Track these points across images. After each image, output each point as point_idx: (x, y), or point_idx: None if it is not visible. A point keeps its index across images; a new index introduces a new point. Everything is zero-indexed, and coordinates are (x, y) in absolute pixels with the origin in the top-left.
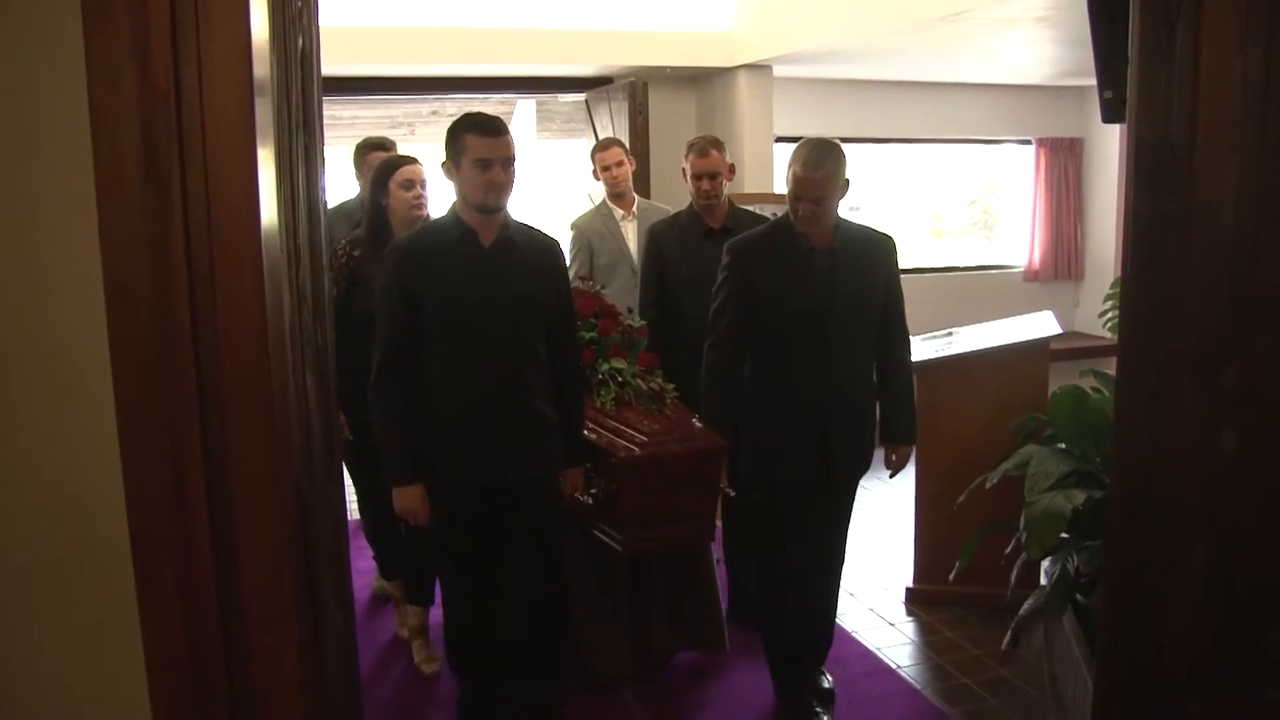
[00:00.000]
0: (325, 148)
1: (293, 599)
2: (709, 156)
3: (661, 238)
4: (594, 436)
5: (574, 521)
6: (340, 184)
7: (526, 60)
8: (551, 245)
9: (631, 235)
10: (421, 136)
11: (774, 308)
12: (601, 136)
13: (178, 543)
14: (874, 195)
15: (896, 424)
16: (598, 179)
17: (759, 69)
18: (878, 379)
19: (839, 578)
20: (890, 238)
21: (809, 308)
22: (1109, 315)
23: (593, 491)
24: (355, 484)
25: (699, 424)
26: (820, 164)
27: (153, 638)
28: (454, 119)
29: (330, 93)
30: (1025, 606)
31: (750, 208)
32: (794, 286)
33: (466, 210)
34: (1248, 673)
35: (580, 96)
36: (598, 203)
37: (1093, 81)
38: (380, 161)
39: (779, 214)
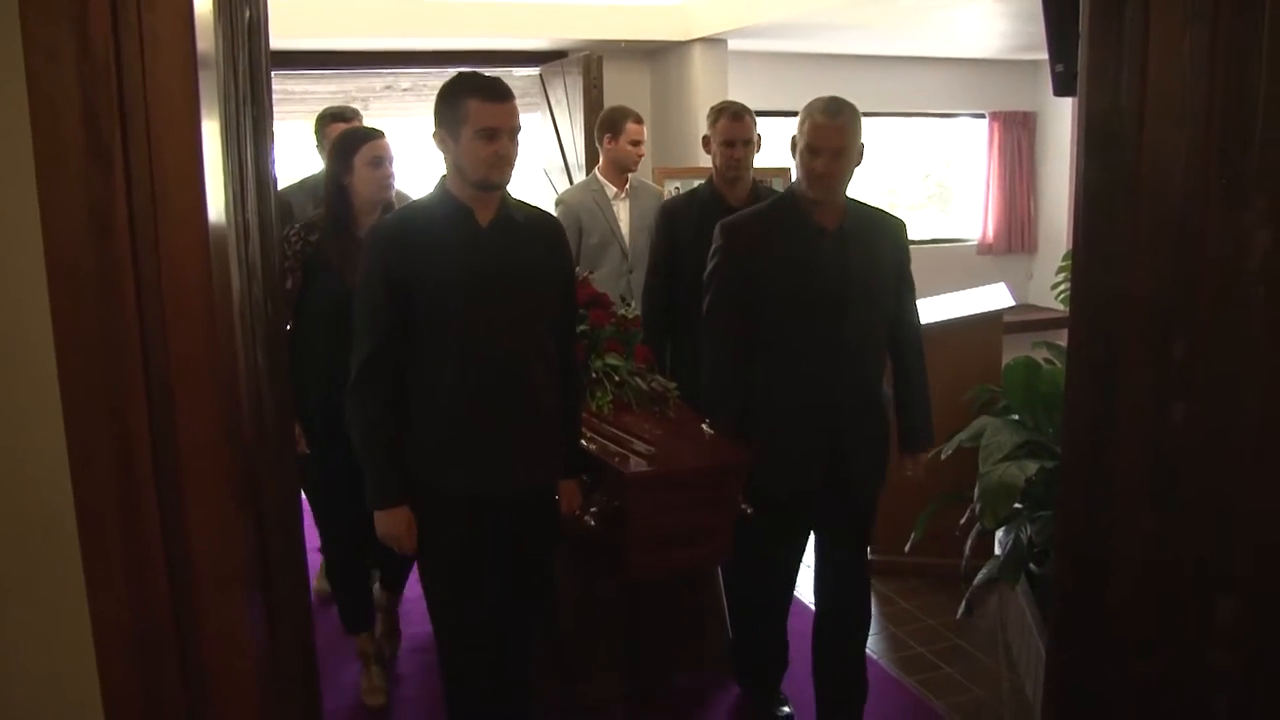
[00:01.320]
0: (276, 122)
1: (244, 574)
2: (743, 121)
3: (677, 218)
4: (593, 446)
5: (564, 536)
6: (302, 158)
7: (481, 34)
8: (555, 224)
9: (624, 215)
10: (375, 111)
11: (780, 298)
12: (555, 108)
13: (125, 519)
14: None
15: (916, 428)
16: (604, 145)
17: (714, 42)
18: (893, 378)
19: (869, 615)
20: (901, 221)
21: (820, 299)
22: (1061, 288)
23: (593, 510)
24: (314, 511)
25: (710, 431)
26: (840, 111)
27: (101, 615)
28: (410, 92)
29: (281, 66)
30: (979, 576)
31: (702, 181)
32: (803, 274)
33: (461, 186)
34: (1193, 638)
35: (534, 70)
36: (586, 177)
37: (1045, 55)
38: (341, 134)
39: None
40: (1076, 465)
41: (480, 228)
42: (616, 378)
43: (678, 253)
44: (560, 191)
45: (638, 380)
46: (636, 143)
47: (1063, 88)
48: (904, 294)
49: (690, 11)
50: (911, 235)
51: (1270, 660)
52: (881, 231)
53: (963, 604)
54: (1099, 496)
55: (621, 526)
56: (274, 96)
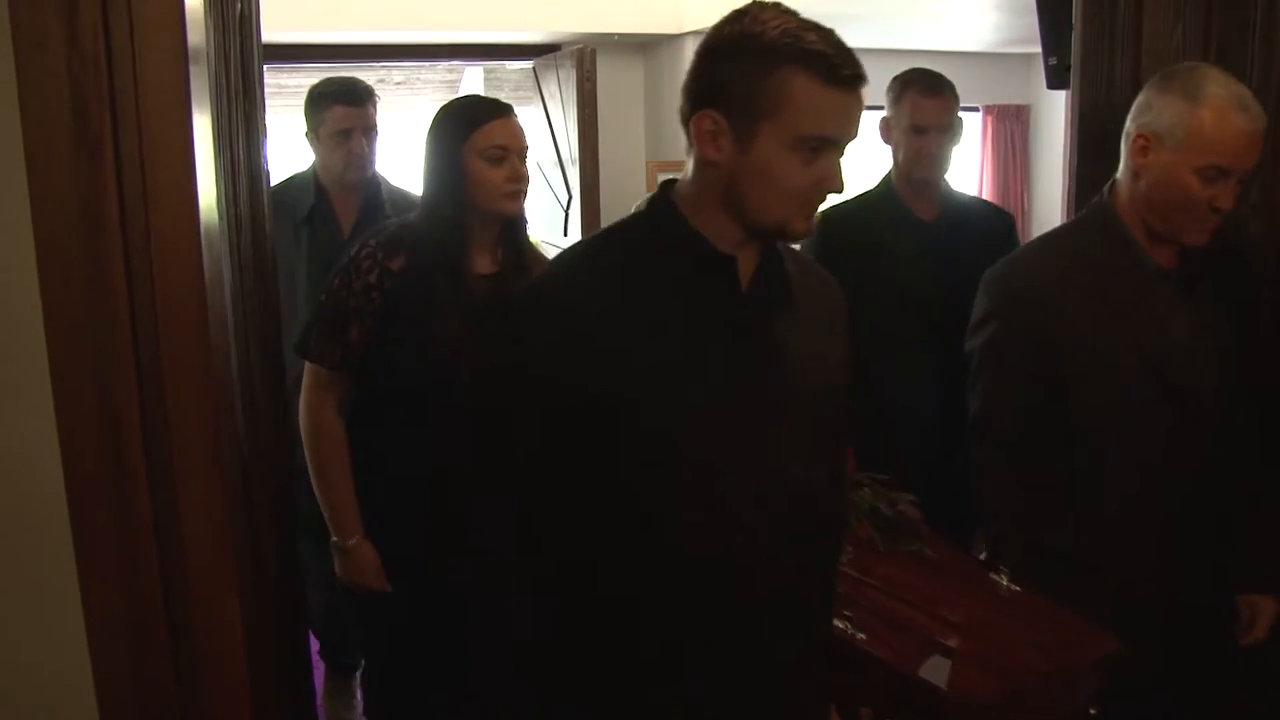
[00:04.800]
0: (268, 115)
1: (236, 566)
2: (942, 96)
3: (838, 234)
4: (859, 633)
5: None
6: (294, 153)
7: (474, 26)
8: (832, 283)
9: None
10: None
11: (1119, 380)
12: (548, 102)
13: (116, 510)
14: None
15: (1263, 559)
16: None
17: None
18: (1245, 484)
19: None
20: None
21: (1176, 370)
22: None
23: None
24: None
25: (1009, 584)
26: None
27: (93, 606)
28: (402, 85)
29: (274, 60)
30: None
31: None
32: (1154, 339)
33: (724, 215)
34: None
35: (528, 64)
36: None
37: (1039, 49)
38: (445, 109)
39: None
40: None
41: (739, 291)
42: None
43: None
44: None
45: (876, 501)
46: None
47: (1057, 81)
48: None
49: (684, 4)
50: None
51: None
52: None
53: None
54: None
55: None
56: (266, 90)
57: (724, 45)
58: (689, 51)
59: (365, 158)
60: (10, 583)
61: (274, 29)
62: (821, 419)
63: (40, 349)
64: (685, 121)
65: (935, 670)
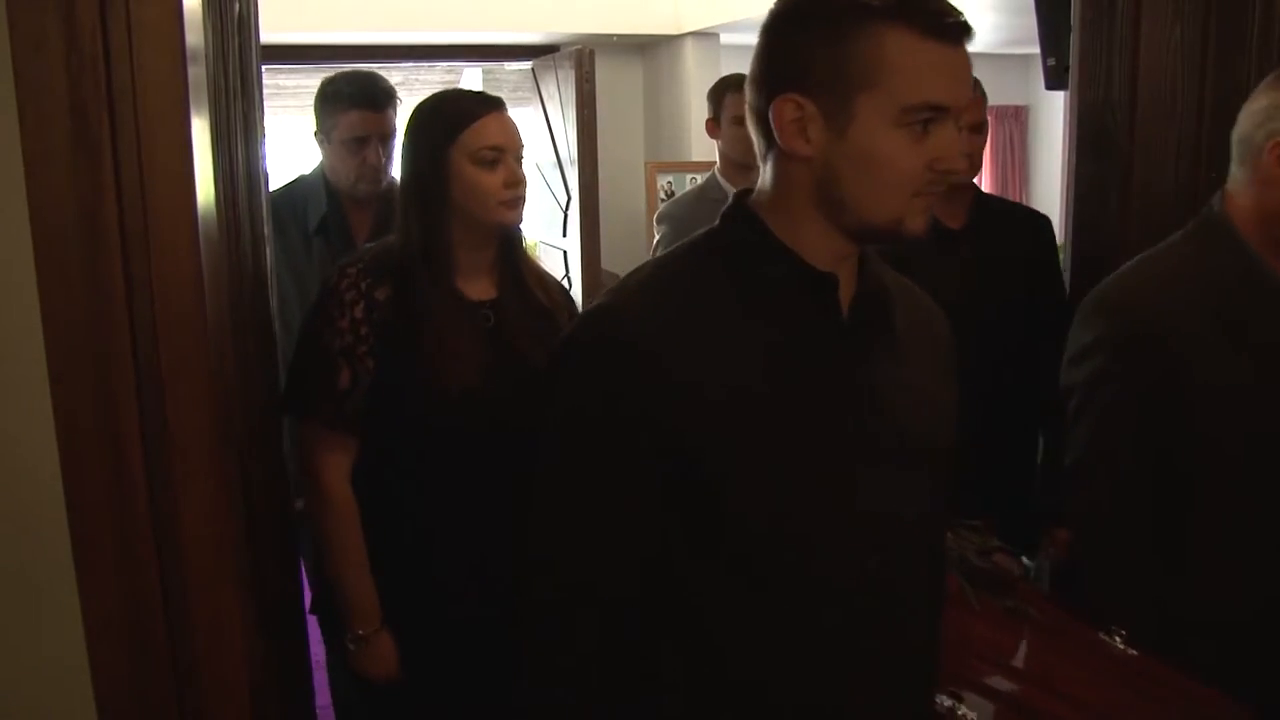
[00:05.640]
0: (267, 117)
1: (235, 568)
2: (974, 91)
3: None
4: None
5: None
6: (294, 153)
7: (472, 27)
8: (938, 313)
9: None
10: None
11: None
12: (547, 102)
13: (115, 513)
14: None
15: None
16: (714, 136)
17: (706, 36)
18: None
19: None
20: None
21: None
22: None
23: None
24: None
25: (1124, 646)
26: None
27: (92, 608)
28: (401, 86)
29: (272, 60)
30: None
31: (695, 176)
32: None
33: (820, 222)
34: None
35: (527, 64)
36: (702, 181)
37: (1037, 49)
38: (425, 106)
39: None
40: None
41: (839, 318)
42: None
43: None
44: (665, 203)
45: (964, 549)
46: (741, 120)
47: (1055, 81)
48: None
49: (682, 6)
50: None
51: None
52: None
53: None
54: None
55: None
56: (265, 91)
57: (795, 13)
58: (688, 52)
59: (380, 170)
60: (9, 585)
61: (272, 30)
62: (936, 476)
63: (39, 351)
64: (760, 116)
65: None
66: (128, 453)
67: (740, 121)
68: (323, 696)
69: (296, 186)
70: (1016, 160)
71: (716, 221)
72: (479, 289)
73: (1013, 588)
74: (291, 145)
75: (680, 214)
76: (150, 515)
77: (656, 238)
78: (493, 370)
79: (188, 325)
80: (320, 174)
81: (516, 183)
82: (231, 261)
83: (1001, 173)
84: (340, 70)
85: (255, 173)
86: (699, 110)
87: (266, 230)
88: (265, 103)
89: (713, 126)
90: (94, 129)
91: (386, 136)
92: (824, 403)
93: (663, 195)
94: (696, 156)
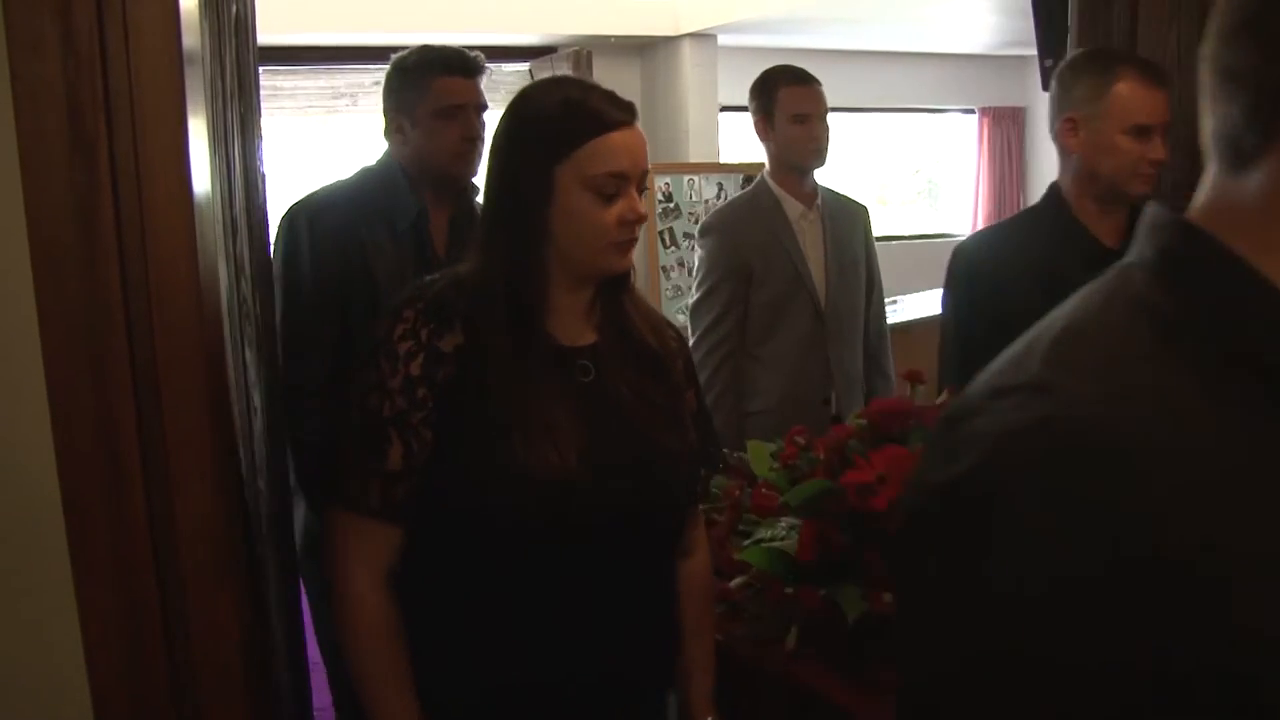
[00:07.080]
0: (264, 117)
1: (232, 568)
2: (1166, 88)
3: (996, 271)
4: None
5: None
6: (296, 156)
7: (469, 29)
8: None
9: (813, 245)
10: (364, 108)
11: None
12: None
13: (111, 512)
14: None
15: None
16: (765, 138)
17: (704, 37)
18: None
19: None
20: None
21: None
22: None
23: None
24: None
25: None
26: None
27: (88, 607)
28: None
29: (270, 62)
30: None
31: (693, 178)
32: None
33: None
34: None
35: (524, 66)
36: (752, 187)
37: (1035, 51)
38: (532, 100)
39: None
40: None
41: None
42: None
43: (984, 323)
44: (711, 214)
45: None
46: (804, 118)
47: None
48: None
49: (680, 6)
50: (902, 230)
51: None
52: None
53: None
54: None
55: None
56: (262, 92)
57: None
58: (686, 53)
59: (481, 143)
60: (5, 586)
61: (269, 31)
62: None
63: (35, 352)
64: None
65: None
66: (125, 453)
67: (802, 120)
68: (321, 698)
69: (369, 178)
70: (1014, 161)
71: (1141, 256)
72: (574, 333)
73: None
74: (290, 146)
75: (729, 226)
76: (147, 516)
77: (699, 253)
78: (602, 443)
79: (184, 327)
80: (395, 168)
81: (637, 220)
82: (230, 262)
83: (999, 174)
84: (410, 47)
85: (253, 174)
86: (697, 111)
87: (266, 232)
88: (263, 104)
89: (763, 126)
90: (90, 130)
91: (480, 109)
92: None
93: (660, 197)
94: (694, 158)
